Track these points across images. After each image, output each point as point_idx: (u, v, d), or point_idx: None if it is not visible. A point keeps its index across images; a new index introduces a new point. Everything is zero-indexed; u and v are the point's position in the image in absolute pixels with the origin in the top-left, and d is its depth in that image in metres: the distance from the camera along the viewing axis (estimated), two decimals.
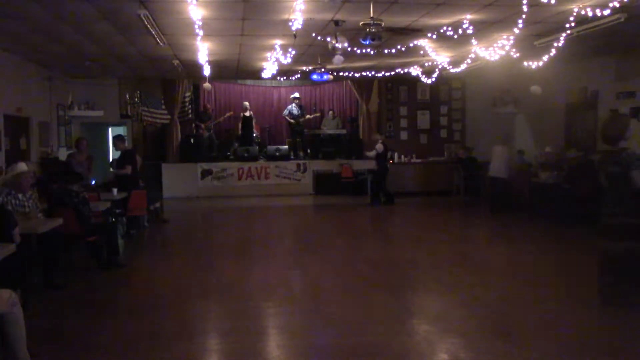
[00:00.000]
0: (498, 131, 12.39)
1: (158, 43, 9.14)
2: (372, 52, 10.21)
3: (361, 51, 9.81)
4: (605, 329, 4.72)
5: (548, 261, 7.34)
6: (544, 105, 13.20)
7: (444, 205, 13.64)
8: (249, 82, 17.11)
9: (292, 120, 16.16)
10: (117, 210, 8.75)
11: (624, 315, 4.90)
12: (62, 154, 12.48)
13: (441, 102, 16.03)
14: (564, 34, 8.54)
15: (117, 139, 9.82)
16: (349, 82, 16.34)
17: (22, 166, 6.05)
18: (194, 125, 16.03)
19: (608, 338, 4.47)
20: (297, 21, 7.54)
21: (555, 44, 9.13)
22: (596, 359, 4.06)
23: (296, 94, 16.55)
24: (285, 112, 16.38)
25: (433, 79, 13.35)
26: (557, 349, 4.22)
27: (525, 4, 7.06)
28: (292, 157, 15.91)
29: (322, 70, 11.82)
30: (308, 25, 8.02)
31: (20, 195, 5.79)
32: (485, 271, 6.87)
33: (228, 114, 16.41)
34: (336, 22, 8.08)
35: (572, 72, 12.34)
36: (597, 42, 9.72)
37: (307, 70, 12.59)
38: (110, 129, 15.96)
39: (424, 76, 13.28)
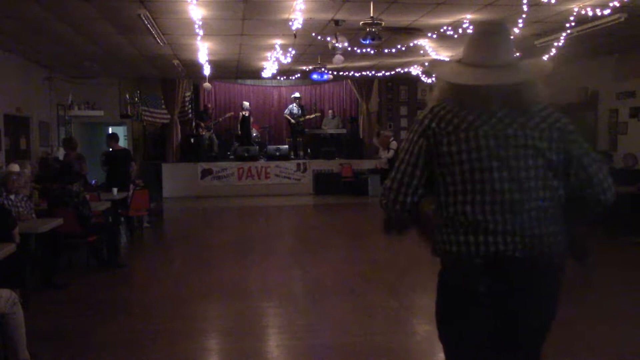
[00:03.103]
0: None
1: (158, 43, 9.14)
2: (372, 52, 10.22)
3: (361, 51, 9.82)
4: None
5: None
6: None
7: None
8: (249, 82, 17.12)
9: (293, 120, 16.17)
10: (118, 210, 8.72)
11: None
12: (62, 154, 12.46)
13: None
14: (564, 34, 8.54)
15: (110, 138, 9.51)
16: (349, 81, 16.35)
17: (12, 167, 6.06)
18: (194, 125, 16.04)
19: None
20: (297, 21, 7.54)
21: (555, 44, 9.13)
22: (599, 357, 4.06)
23: (297, 94, 16.57)
24: (287, 111, 16.40)
25: (433, 79, 13.36)
26: (556, 347, 4.21)
27: (525, 4, 7.06)
28: (292, 156, 15.91)
29: (322, 70, 11.84)
30: (308, 25, 8.02)
31: (12, 197, 5.78)
32: None
33: (228, 114, 16.42)
34: (336, 22, 8.08)
35: (572, 72, 12.34)
36: (597, 42, 9.72)
37: (307, 70, 12.60)
38: (110, 129, 15.97)
39: (424, 76, 13.29)
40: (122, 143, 14.34)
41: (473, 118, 1.90)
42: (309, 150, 16.36)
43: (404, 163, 2.02)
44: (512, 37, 2.07)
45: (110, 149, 9.46)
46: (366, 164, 15.15)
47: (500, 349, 2.04)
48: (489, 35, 2.01)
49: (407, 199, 2.01)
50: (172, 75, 14.09)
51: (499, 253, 1.88)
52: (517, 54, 2.05)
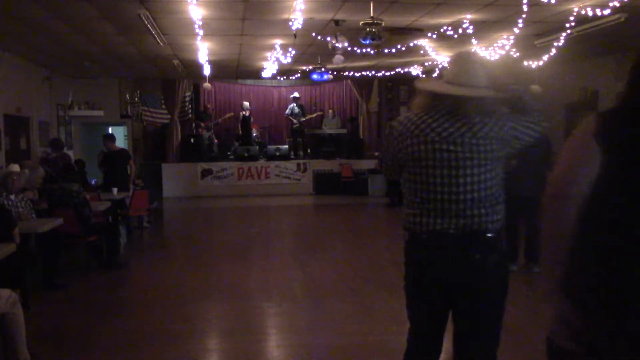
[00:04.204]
0: None
1: (158, 43, 9.13)
2: (372, 52, 10.21)
3: (361, 51, 9.81)
4: None
5: None
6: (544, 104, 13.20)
7: None
8: (249, 82, 17.13)
9: (294, 120, 16.18)
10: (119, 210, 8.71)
11: None
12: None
13: None
14: (564, 34, 8.53)
15: (107, 138, 9.44)
16: (349, 81, 16.34)
17: (13, 167, 6.07)
18: (194, 125, 16.03)
19: None
20: (297, 21, 7.54)
21: (555, 44, 9.13)
22: None
23: (296, 94, 16.56)
24: (287, 111, 16.40)
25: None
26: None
27: (525, 4, 7.06)
28: (292, 156, 15.91)
29: (322, 70, 11.83)
30: (308, 25, 8.02)
31: (12, 197, 5.78)
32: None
33: (228, 115, 16.42)
34: (336, 22, 8.08)
35: (572, 72, 12.34)
36: (597, 42, 9.72)
37: (307, 70, 12.59)
38: (110, 129, 15.97)
39: (424, 76, 13.29)
40: (122, 143, 14.36)
41: (429, 130, 2.40)
42: (309, 150, 16.36)
43: (388, 152, 2.58)
44: (485, 65, 2.51)
45: (107, 150, 9.41)
46: (366, 164, 15.15)
47: (452, 311, 2.52)
48: (466, 60, 2.51)
49: (394, 175, 2.65)
50: (172, 75, 14.08)
51: (437, 231, 2.38)
52: (488, 79, 2.45)
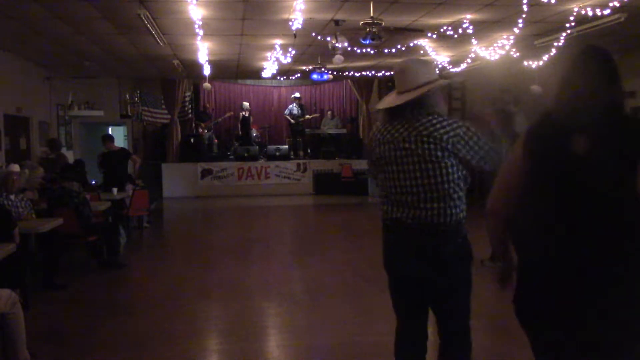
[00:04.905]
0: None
1: (158, 43, 9.14)
2: (372, 52, 10.22)
3: (361, 51, 9.81)
4: None
5: None
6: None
7: None
8: (249, 82, 17.12)
9: (292, 120, 16.17)
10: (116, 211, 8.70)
11: None
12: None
13: None
14: (564, 34, 8.54)
15: (106, 139, 9.43)
16: (349, 81, 16.34)
17: (13, 167, 6.08)
18: (194, 125, 16.03)
19: None
20: (297, 21, 7.54)
21: (555, 44, 9.13)
22: None
23: (297, 94, 16.56)
24: (287, 111, 16.40)
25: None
26: None
27: (525, 4, 7.06)
28: (292, 156, 15.91)
29: (322, 69, 11.83)
30: (308, 24, 8.02)
31: (12, 197, 5.77)
32: (485, 270, 6.87)
33: (227, 114, 16.42)
34: (336, 22, 8.08)
35: None
36: (597, 42, 9.71)
37: (307, 70, 12.59)
38: (110, 129, 15.95)
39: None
40: (122, 143, 14.34)
41: (384, 135, 2.75)
42: (309, 150, 16.35)
43: (369, 155, 2.95)
44: (422, 68, 2.73)
45: (107, 150, 9.40)
46: (366, 164, 15.14)
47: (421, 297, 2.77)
48: (399, 71, 2.77)
49: (373, 175, 3.03)
50: (172, 75, 14.08)
51: (397, 219, 2.68)
52: (430, 74, 2.72)
